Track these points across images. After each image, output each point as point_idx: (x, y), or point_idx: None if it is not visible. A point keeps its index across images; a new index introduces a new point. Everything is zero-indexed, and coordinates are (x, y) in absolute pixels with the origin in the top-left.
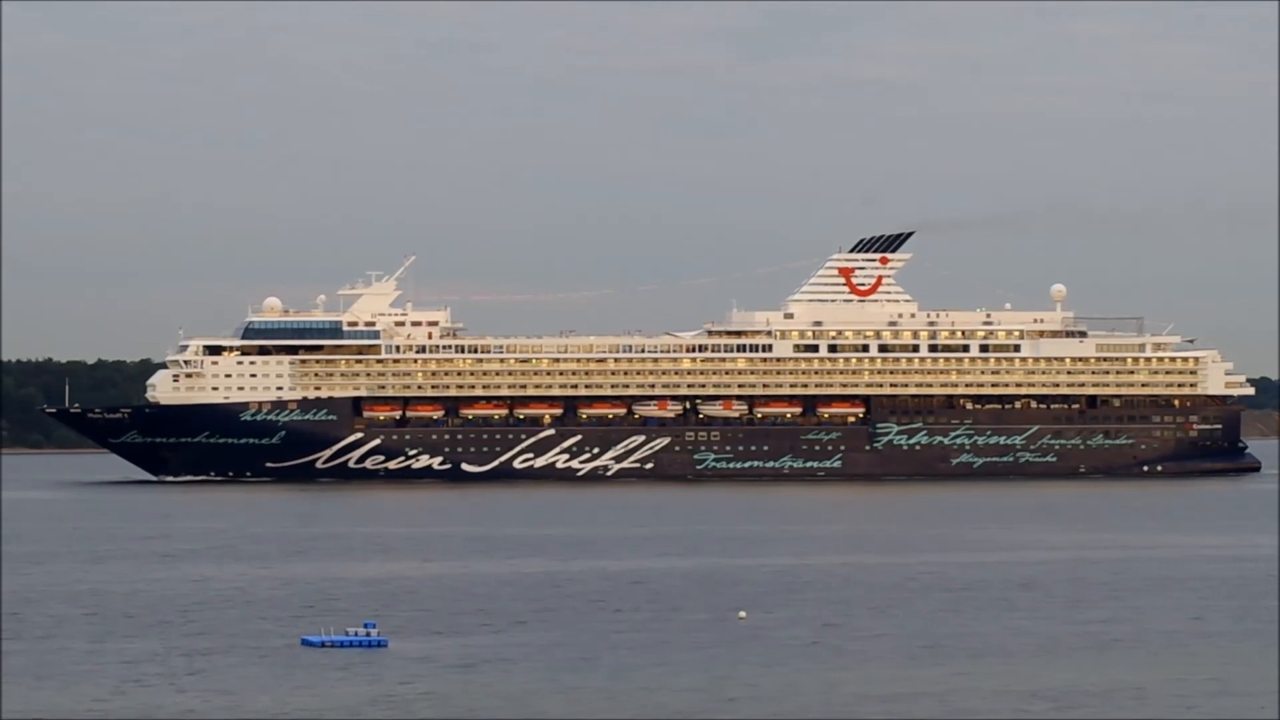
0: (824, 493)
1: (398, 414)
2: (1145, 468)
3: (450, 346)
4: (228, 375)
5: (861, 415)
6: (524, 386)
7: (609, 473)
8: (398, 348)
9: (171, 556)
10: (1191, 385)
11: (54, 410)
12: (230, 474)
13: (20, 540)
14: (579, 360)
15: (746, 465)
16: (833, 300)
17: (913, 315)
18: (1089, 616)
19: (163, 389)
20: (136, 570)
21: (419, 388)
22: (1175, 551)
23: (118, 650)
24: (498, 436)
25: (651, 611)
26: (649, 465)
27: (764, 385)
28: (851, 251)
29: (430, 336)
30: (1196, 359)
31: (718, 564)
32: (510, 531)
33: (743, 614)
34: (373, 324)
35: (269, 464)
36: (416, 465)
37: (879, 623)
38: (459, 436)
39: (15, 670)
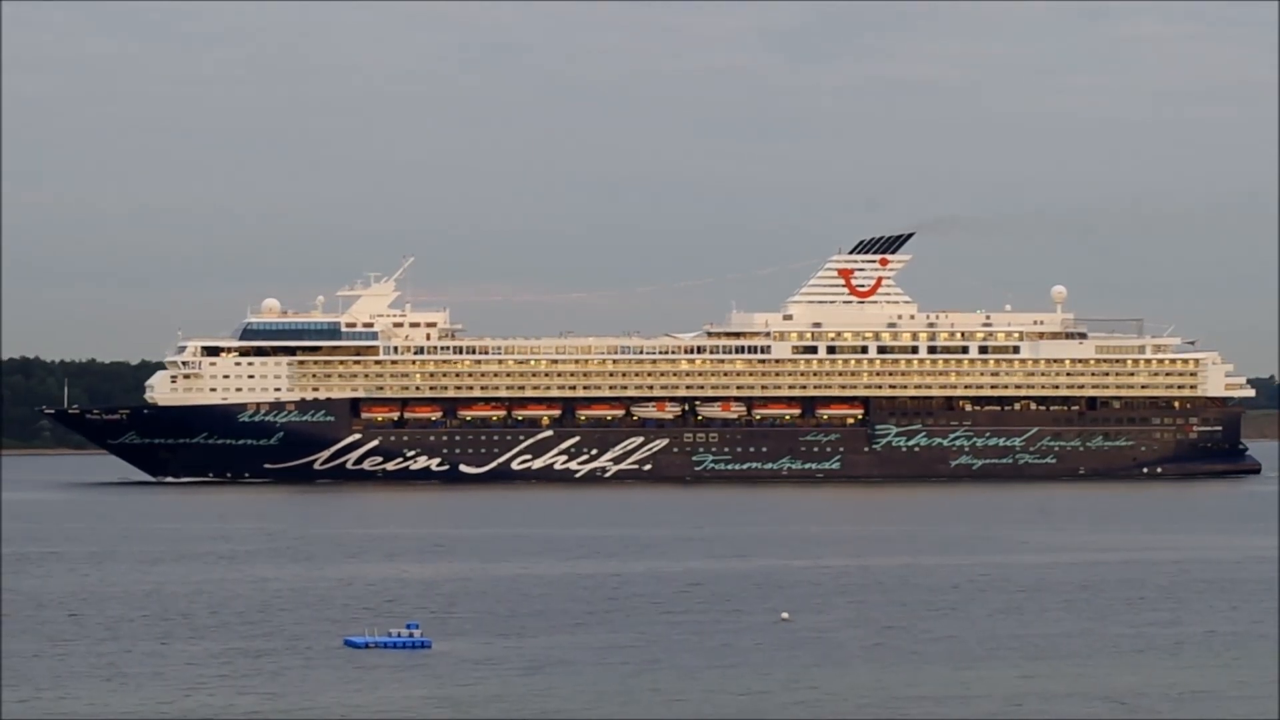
0: (840, 494)
1: (396, 415)
2: (1145, 470)
3: (449, 348)
4: (226, 376)
5: (860, 417)
6: (522, 388)
7: (607, 474)
8: (396, 349)
9: (233, 558)
10: (1191, 387)
11: (52, 411)
12: (229, 475)
13: (79, 540)
14: (577, 361)
15: (745, 467)
16: (832, 301)
17: (912, 317)
18: (1147, 619)
19: (161, 390)
20: (194, 571)
21: (417, 389)
22: (1229, 553)
23: (180, 651)
24: (496, 438)
25: (709, 613)
26: (647, 467)
27: (763, 387)
28: (851, 253)
29: (429, 338)
30: (1197, 360)
31: (770, 565)
32: (547, 532)
33: (785, 615)
34: (371, 325)
35: (267, 465)
36: (415, 466)
37: (939, 624)
38: (457, 438)
39: (79, 672)
